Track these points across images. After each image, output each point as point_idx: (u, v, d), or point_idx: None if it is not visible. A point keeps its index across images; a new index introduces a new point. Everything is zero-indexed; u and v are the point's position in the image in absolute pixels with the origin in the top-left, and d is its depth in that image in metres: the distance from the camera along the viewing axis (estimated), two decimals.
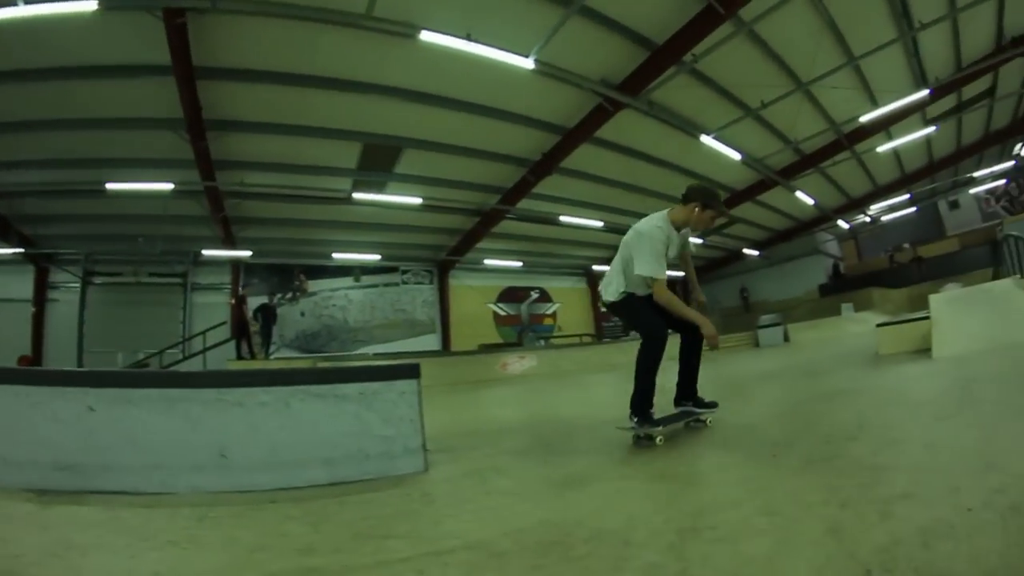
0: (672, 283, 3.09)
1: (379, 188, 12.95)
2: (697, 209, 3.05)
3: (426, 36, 7.29)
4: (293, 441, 2.54)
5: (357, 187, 12.68)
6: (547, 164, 12.73)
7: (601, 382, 9.76)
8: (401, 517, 2.04)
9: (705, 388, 3.46)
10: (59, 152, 9.66)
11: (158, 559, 1.72)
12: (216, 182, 10.95)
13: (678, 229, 3.16)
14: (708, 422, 3.33)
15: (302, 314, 16.59)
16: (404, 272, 18.46)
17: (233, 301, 15.30)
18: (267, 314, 14.73)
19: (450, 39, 7.41)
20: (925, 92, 11.57)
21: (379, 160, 11.90)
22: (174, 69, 7.86)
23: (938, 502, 1.57)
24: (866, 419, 2.97)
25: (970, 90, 14.56)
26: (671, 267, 3.15)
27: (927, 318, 5.89)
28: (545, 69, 8.78)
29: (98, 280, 13.67)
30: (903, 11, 9.93)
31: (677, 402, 3.35)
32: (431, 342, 18.41)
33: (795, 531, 1.50)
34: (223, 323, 14.46)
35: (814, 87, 11.70)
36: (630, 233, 3.14)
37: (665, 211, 3.17)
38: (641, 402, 3.03)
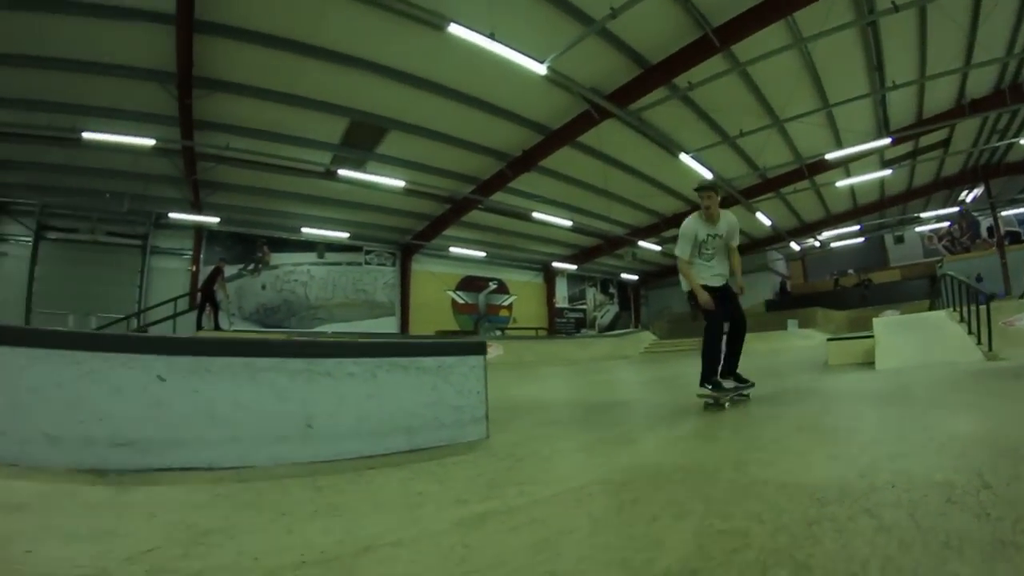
0: None
1: (357, 166, 12.52)
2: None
3: (454, 29, 7.15)
4: (378, 410, 2.61)
5: (336, 163, 12.28)
6: (526, 161, 12.90)
7: (580, 373, 10.01)
8: (511, 471, 2.16)
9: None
10: (30, 92, 8.71)
11: (324, 528, 1.60)
12: (194, 142, 10.46)
13: (712, 221, 3.82)
14: (749, 396, 3.96)
15: (263, 287, 16.09)
16: (368, 253, 18.16)
17: (193, 268, 14.67)
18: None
19: (476, 36, 7.29)
20: (887, 140, 12.49)
21: (363, 138, 11.65)
22: (177, 18, 7.41)
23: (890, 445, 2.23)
24: (831, 406, 3.75)
25: (927, 139, 15.79)
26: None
27: (871, 336, 6.75)
28: (552, 75, 8.88)
29: (52, 235, 12.47)
30: (877, 66, 10.80)
31: (723, 376, 3.80)
32: (390, 324, 18.23)
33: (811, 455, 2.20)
34: (191, 292, 13.63)
35: (787, 123, 12.43)
36: None
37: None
38: (708, 373, 3.66)
